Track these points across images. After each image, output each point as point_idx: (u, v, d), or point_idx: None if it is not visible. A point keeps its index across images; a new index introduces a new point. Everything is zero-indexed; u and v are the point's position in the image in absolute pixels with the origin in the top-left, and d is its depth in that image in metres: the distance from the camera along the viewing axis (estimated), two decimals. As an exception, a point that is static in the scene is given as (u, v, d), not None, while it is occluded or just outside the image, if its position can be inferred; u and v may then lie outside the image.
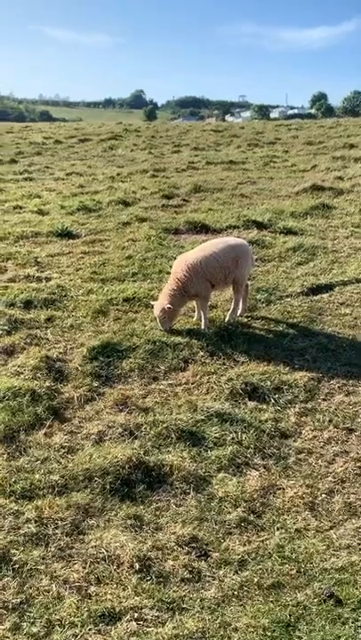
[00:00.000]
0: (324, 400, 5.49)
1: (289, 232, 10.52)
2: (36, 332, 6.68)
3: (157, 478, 4.44)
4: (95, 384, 5.68)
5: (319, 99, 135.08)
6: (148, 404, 5.37)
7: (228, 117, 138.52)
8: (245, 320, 7.01)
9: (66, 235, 10.55)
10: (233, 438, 4.89)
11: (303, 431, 5.07)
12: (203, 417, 5.12)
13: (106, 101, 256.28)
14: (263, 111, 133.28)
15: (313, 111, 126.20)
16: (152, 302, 6.82)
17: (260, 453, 4.76)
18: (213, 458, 4.67)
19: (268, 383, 5.64)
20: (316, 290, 7.85)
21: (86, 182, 16.50)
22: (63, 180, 17.47)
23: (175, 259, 7.12)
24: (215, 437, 4.89)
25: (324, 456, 4.75)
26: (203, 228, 10.85)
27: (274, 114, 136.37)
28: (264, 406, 5.36)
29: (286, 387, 5.63)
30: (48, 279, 8.26)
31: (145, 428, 4.97)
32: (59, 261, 9.18)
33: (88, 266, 8.87)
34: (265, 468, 4.61)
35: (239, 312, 7.03)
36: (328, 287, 7.91)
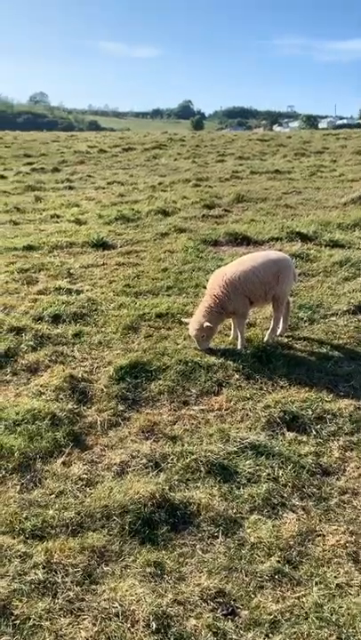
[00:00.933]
0: (371, 433, 4.99)
1: (335, 245, 10.01)
2: (63, 348, 6.35)
3: (183, 519, 4.02)
4: (121, 408, 5.30)
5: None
6: (176, 431, 4.97)
7: (276, 127, 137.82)
8: (286, 340, 6.55)
9: (101, 245, 10.27)
10: (269, 474, 4.44)
11: (348, 468, 4.58)
12: (236, 448, 4.68)
13: (154, 112, 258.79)
14: (311, 121, 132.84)
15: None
16: (185, 319, 6.44)
17: (298, 493, 4.29)
18: (246, 496, 4.22)
19: (310, 412, 5.17)
20: (364, 308, 7.32)
21: (127, 191, 16.29)
22: (104, 189, 17.31)
23: (213, 272, 6.72)
24: (249, 473, 4.45)
25: (371, 498, 4.26)
26: (244, 240, 10.44)
27: (322, 124, 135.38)
28: (304, 438, 4.89)
29: (330, 416, 5.15)
30: (79, 292, 7.95)
31: (172, 460, 4.57)
32: (92, 273, 8.89)
33: (121, 278, 8.55)
34: (304, 510, 4.14)
35: (279, 331, 6.58)
36: (377, 305, 7.38)
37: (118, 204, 14.20)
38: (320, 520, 4.05)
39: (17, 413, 5.02)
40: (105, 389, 5.53)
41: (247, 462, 4.55)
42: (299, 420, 5.08)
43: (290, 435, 4.92)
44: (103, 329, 6.85)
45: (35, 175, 21.11)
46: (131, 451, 4.68)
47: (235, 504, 4.15)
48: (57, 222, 12.38)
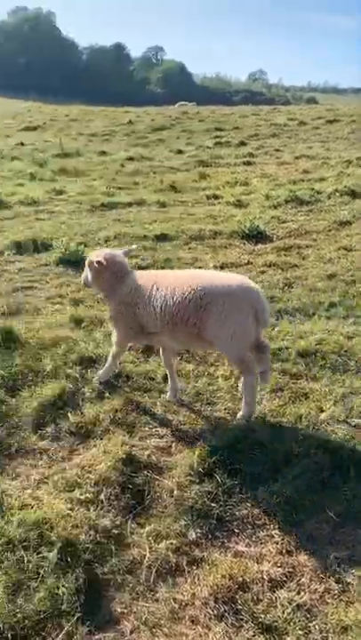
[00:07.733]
0: None
1: None
2: None
3: None
4: None
5: None
6: None
7: None
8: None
9: (255, 236, 8.03)
10: None
11: None
12: None
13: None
14: None
15: None
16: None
17: None
18: None
19: None
20: None
21: (313, 167, 13.78)
22: (288, 164, 14.95)
23: None
24: None
25: None
26: None
27: None
28: None
29: None
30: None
31: None
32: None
33: (265, 286, 6.24)
34: None
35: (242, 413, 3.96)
36: None
37: (298, 183, 11.78)
38: None
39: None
40: None
41: None
42: None
43: None
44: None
45: (216, 150, 19.29)
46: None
47: None
48: (213, 204, 10.30)
